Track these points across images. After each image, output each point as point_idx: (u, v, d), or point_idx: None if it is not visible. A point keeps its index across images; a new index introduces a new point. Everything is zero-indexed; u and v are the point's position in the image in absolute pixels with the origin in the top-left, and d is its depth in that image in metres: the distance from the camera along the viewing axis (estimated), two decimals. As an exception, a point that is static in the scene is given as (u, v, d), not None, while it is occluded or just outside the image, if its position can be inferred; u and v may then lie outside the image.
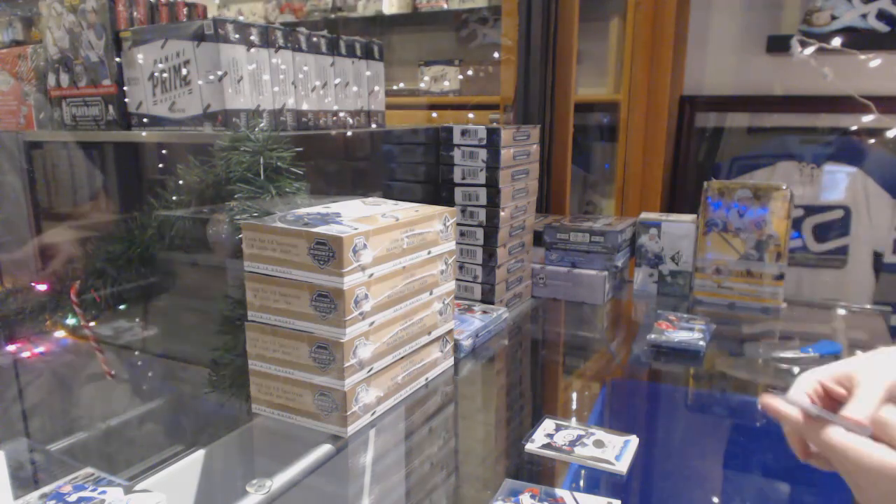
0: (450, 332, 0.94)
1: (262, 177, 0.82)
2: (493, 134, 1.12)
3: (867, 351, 0.73)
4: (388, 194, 1.23)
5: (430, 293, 0.86)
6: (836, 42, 1.63)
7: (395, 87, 2.59)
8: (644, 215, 1.38)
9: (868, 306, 1.30)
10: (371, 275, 0.74)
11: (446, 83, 2.46)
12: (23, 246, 1.22)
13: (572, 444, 0.75)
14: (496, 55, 2.29)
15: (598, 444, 0.74)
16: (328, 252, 0.69)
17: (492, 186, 1.14)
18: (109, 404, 1.09)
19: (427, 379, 0.89)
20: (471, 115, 2.30)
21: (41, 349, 1.06)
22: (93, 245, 1.04)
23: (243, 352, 0.78)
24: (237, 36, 0.89)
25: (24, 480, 0.76)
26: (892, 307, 1.28)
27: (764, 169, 1.86)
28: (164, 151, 1.12)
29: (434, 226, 0.85)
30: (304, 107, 1.01)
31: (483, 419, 0.93)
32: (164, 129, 0.95)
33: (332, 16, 2.70)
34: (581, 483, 0.72)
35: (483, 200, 1.15)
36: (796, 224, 1.81)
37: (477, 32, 2.48)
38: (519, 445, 0.75)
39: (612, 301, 1.35)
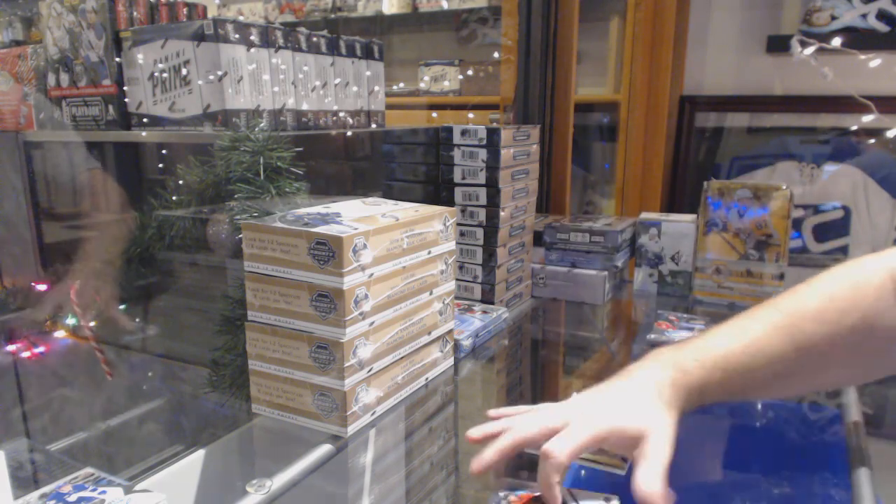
0: (450, 332, 0.94)
1: (262, 177, 0.82)
2: (493, 134, 1.12)
3: None
4: (388, 194, 1.23)
5: (430, 293, 0.86)
6: (836, 42, 1.63)
7: (395, 87, 2.59)
8: (644, 215, 1.38)
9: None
10: (371, 275, 0.74)
11: (446, 83, 2.46)
12: (22, 246, 1.22)
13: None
14: (496, 55, 2.29)
15: None
16: (328, 252, 0.69)
17: (492, 186, 1.14)
18: (109, 404, 1.09)
19: (427, 379, 0.89)
20: (471, 115, 2.30)
21: (41, 349, 1.06)
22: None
23: (243, 352, 0.78)
24: (237, 36, 0.89)
25: (24, 480, 0.76)
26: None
27: (764, 169, 1.86)
28: (164, 151, 1.12)
29: (434, 226, 0.85)
30: (304, 107, 1.01)
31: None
32: (164, 129, 0.95)
33: (332, 16, 2.70)
34: (580, 482, 0.72)
35: (483, 200, 1.15)
36: (796, 224, 1.81)
37: (477, 32, 2.48)
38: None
39: (612, 301, 1.35)
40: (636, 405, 0.62)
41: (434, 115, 2.45)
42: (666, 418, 0.61)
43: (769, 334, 0.63)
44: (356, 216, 0.78)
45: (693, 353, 0.65)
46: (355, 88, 1.11)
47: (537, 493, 0.63)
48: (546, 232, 1.35)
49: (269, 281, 0.74)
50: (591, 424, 0.61)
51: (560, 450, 0.59)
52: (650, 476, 0.56)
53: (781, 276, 1.24)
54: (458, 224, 1.18)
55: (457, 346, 0.98)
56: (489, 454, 0.62)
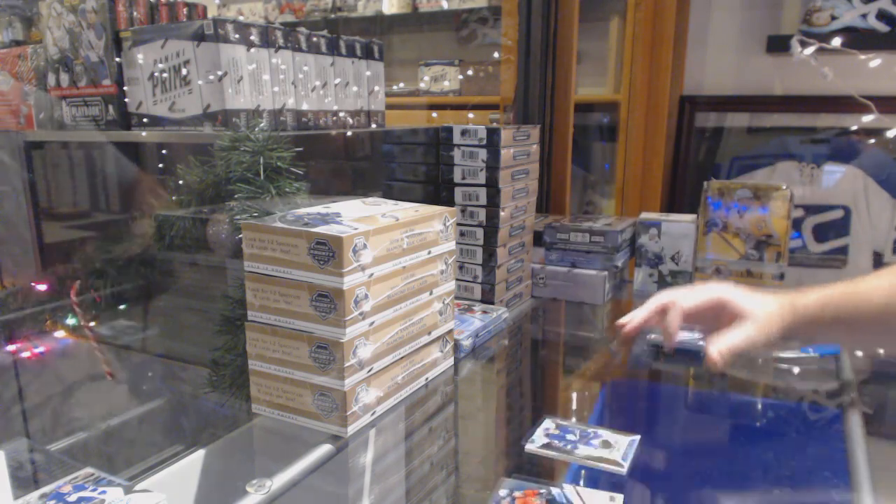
0: (450, 332, 0.94)
1: (262, 177, 0.82)
2: (493, 134, 1.12)
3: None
4: (388, 194, 1.23)
5: (430, 293, 0.86)
6: (836, 42, 1.63)
7: (395, 87, 2.59)
8: (644, 215, 1.38)
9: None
10: (371, 275, 0.74)
11: (446, 83, 2.46)
12: (22, 246, 1.22)
13: (574, 444, 0.75)
14: (496, 55, 2.29)
15: (605, 444, 0.74)
16: (328, 252, 0.69)
17: (492, 186, 1.14)
18: (109, 404, 1.09)
19: (427, 379, 0.89)
20: (471, 115, 2.30)
21: (41, 349, 1.06)
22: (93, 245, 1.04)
23: (243, 352, 0.78)
24: (237, 36, 0.89)
25: (24, 480, 0.76)
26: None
27: (764, 169, 1.86)
28: (164, 151, 1.12)
29: (434, 226, 0.85)
30: (304, 107, 1.01)
31: (483, 419, 0.93)
32: (164, 129, 0.95)
33: (332, 16, 2.70)
34: (581, 482, 0.72)
35: (483, 200, 1.15)
36: (796, 224, 1.81)
37: (477, 32, 2.48)
38: (519, 446, 0.75)
39: (612, 301, 1.35)
40: (757, 299, 0.80)
41: (434, 115, 2.45)
42: (773, 321, 0.78)
43: (876, 289, 0.76)
44: (356, 216, 0.78)
45: (812, 293, 0.80)
46: (355, 88, 1.11)
47: (542, 490, 0.63)
48: (546, 232, 1.35)
49: (269, 281, 0.74)
50: (716, 288, 0.82)
51: (684, 294, 0.84)
52: (724, 343, 0.76)
53: (781, 276, 1.24)
54: (458, 224, 1.18)
55: (457, 346, 0.98)
56: (639, 314, 0.87)
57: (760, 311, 0.78)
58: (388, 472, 0.75)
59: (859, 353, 1.06)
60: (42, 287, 1.05)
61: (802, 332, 0.80)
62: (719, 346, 0.75)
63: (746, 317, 0.78)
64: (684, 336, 1.07)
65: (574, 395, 1.01)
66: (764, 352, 0.90)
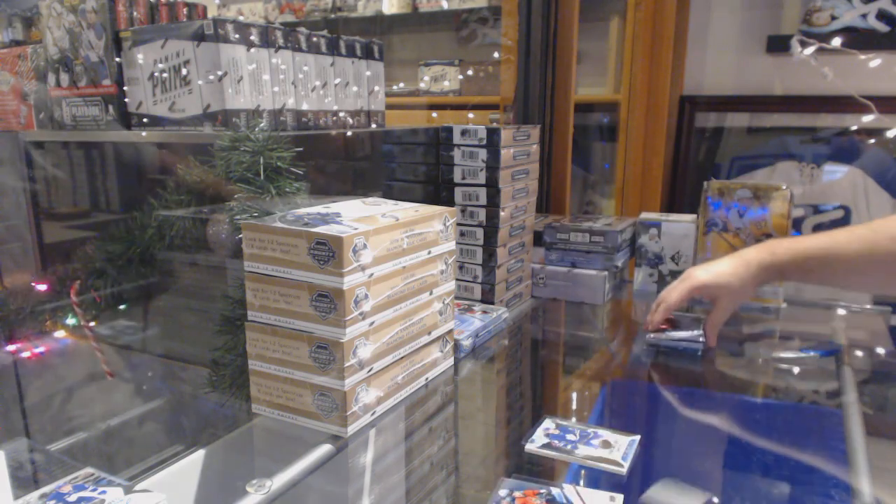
0: (450, 332, 0.94)
1: (262, 177, 0.82)
2: (493, 134, 1.12)
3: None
4: (388, 194, 1.23)
5: (430, 293, 0.86)
6: (836, 42, 1.63)
7: (395, 87, 2.59)
8: (644, 215, 1.38)
9: (868, 306, 1.30)
10: (371, 275, 0.74)
11: (446, 83, 2.46)
12: (23, 246, 1.22)
13: (574, 444, 0.75)
14: (496, 55, 2.30)
15: (605, 444, 0.74)
16: (328, 252, 0.69)
17: (492, 186, 1.14)
18: (109, 404, 1.09)
19: (427, 379, 0.89)
20: (471, 115, 2.30)
21: (41, 349, 1.06)
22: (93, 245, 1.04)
23: (243, 352, 0.78)
24: (237, 36, 0.89)
25: (24, 480, 0.76)
26: (892, 307, 1.28)
27: (764, 169, 1.86)
28: (164, 151, 1.12)
29: (434, 226, 0.85)
30: (304, 107, 1.01)
31: (483, 419, 0.93)
32: (164, 129, 0.95)
33: (332, 16, 2.70)
34: (581, 482, 0.72)
35: (483, 200, 1.15)
36: (796, 224, 1.81)
37: (477, 32, 2.48)
38: (519, 446, 0.75)
39: (612, 301, 1.35)
40: (728, 273, 0.97)
41: (434, 115, 2.45)
42: (745, 287, 0.97)
43: (851, 240, 0.88)
44: (356, 216, 0.78)
45: (788, 243, 0.95)
46: (355, 88, 1.11)
47: (542, 490, 0.63)
48: (546, 232, 1.35)
49: (269, 281, 0.74)
50: (693, 279, 1.00)
51: (669, 294, 1.02)
52: (710, 323, 1.02)
53: (781, 276, 1.24)
54: (458, 224, 1.18)
55: (457, 346, 0.98)
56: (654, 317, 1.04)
57: (730, 283, 0.97)
58: (388, 472, 0.75)
59: (850, 339, 1.06)
60: (42, 287, 1.05)
61: (776, 279, 0.98)
62: (710, 332, 1.03)
63: (720, 295, 0.99)
64: (684, 335, 1.07)
65: (574, 395, 1.01)
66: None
